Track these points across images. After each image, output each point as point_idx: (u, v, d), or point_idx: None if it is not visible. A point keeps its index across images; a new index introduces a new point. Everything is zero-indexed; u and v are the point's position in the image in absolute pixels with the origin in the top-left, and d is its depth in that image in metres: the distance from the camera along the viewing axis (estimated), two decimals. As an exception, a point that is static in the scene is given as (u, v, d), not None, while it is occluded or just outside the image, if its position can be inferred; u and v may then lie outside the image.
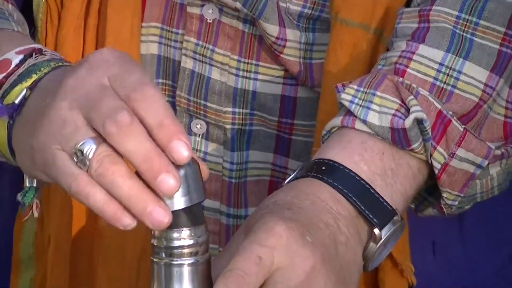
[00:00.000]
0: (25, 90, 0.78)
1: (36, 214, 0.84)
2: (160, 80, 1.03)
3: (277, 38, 0.97)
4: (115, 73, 0.68)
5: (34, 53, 0.82)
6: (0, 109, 0.79)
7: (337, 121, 0.85)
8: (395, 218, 0.82)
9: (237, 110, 1.01)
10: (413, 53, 0.87)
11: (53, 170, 0.70)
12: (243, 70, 1.01)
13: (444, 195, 0.88)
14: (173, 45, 1.03)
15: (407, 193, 0.85)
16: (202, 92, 1.01)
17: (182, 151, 0.64)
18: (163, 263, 0.73)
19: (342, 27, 0.95)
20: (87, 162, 0.66)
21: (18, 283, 1.08)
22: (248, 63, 1.01)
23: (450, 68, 0.86)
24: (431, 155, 0.84)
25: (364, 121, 0.83)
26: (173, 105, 1.01)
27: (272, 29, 0.96)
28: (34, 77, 0.79)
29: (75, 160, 0.67)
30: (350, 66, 0.95)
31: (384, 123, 0.83)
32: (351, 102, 0.84)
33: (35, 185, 0.82)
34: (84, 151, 0.67)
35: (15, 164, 0.82)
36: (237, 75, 1.00)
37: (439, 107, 0.84)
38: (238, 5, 0.95)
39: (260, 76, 1.01)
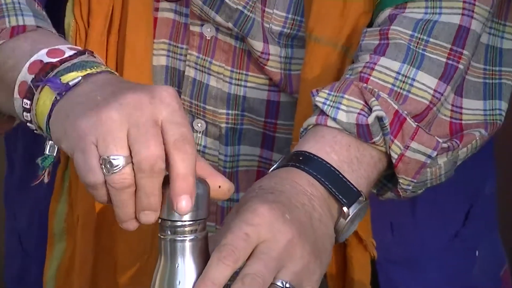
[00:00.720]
0: (80, 78, 0.86)
1: (46, 180, 0.94)
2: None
3: (262, 52, 1.13)
4: (169, 117, 0.79)
5: (87, 53, 0.91)
6: (57, 84, 0.87)
7: (312, 119, 1.00)
8: (360, 198, 0.97)
9: (230, 111, 1.17)
10: (375, 64, 1.02)
11: (79, 154, 0.80)
12: (235, 79, 1.17)
13: (400, 181, 1.02)
14: (179, 57, 1.19)
15: (370, 178, 1.00)
16: (201, 96, 1.18)
17: (181, 205, 0.79)
18: (169, 239, 0.85)
19: (315, 44, 1.09)
20: (109, 173, 0.78)
21: (53, 254, 1.23)
22: (239, 73, 1.16)
23: (406, 76, 1.02)
24: (389, 147, 0.99)
25: (335, 119, 0.98)
26: None
27: (257, 45, 1.13)
28: (88, 71, 0.87)
29: (101, 163, 0.78)
30: (322, 77, 1.09)
31: (350, 120, 0.97)
32: (324, 103, 0.99)
33: (54, 154, 0.91)
34: (113, 164, 0.78)
35: (45, 134, 0.90)
36: (230, 83, 1.17)
37: (396, 107, 0.99)
38: (230, 25, 1.12)
39: (249, 84, 1.17)
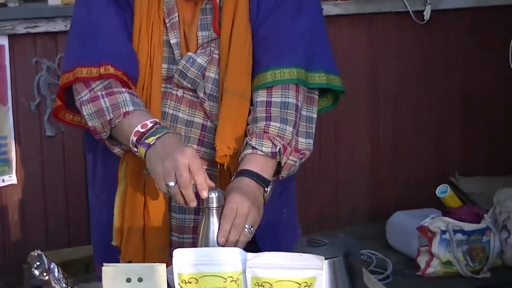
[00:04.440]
0: (155, 140, 1.85)
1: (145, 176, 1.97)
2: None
3: (202, 98, 2.01)
4: (191, 161, 1.79)
5: (156, 123, 1.88)
6: (145, 144, 1.85)
7: (249, 151, 1.92)
8: (270, 184, 1.91)
9: (186, 128, 2.03)
10: (269, 125, 1.95)
11: (158, 180, 1.83)
12: (189, 113, 2.03)
13: (282, 173, 1.95)
14: (167, 106, 2.04)
15: (272, 174, 1.93)
16: (175, 121, 2.03)
17: (203, 194, 1.79)
18: (205, 209, 1.80)
19: (229, 96, 1.99)
20: (168, 188, 1.80)
21: (117, 192, 2.04)
22: (190, 110, 2.03)
23: (283, 129, 1.96)
24: (282, 159, 1.92)
25: (261, 150, 1.91)
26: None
27: (201, 94, 2.01)
28: (158, 135, 1.86)
29: (165, 184, 1.80)
30: (236, 116, 2.00)
31: (268, 151, 1.91)
32: (254, 145, 1.91)
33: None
34: (169, 185, 1.79)
35: (144, 159, 1.87)
36: (187, 114, 2.03)
37: (283, 143, 1.93)
38: (190, 86, 1.99)
39: (196, 115, 2.03)
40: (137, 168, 2.00)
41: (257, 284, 1.51)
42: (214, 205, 1.81)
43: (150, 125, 1.87)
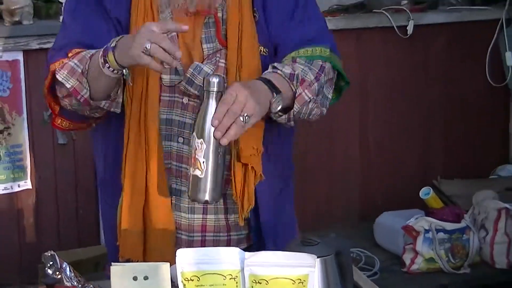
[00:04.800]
0: (115, 42, 1.86)
1: (129, 83, 1.93)
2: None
3: None
4: (154, 27, 1.78)
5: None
6: (109, 48, 1.84)
7: (269, 70, 1.94)
8: (279, 93, 1.88)
9: (188, 131, 2.01)
10: (295, 62, 1.98)
11: (137, 54, 1.78)
12: (190, 117, 1.99)
13: (294, 107, 1.93)
14: (174, 112, 2.02)
15: (285, 92, 1.91)
16: (180, 126, 2.03)
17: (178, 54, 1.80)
18: (205, 91, 1.81)
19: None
20: (148, 50, 1.75)
21: (121, 196, 2.02)
22: (193, 114, 1.96)
23: (305, 70, 1.97)
24: (296, 89, 1.93)
25: (281, 70, 1.93)
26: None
27: None
28: (116, 39, 1.86)
29: (143, 50, 1.76)
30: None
31: (288, 71, 1.93)
32: (276, 65, 1.95)
33: (127, 71, 1.87)
34: (147, 47, 1.75)
35: (116, 66, 1.84)
36: (190, 119, 1.99)
37: (304, 78, 1.95)
38: (196, 92, 1.96)
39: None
40: (137, 176, 2.00)
41: (254, 281, 1.51)
42: (215, 89, 1.79)
43: (108, 44, 1.86)
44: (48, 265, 1.78)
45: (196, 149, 1.80)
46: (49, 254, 1.79)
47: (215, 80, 1.79)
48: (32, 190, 3.53)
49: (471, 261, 3.46)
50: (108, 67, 1.85)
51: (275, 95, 1.86)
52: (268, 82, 1.87)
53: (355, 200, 4.14)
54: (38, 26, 3.51)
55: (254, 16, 2.01)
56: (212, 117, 1.77)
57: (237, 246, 1.97)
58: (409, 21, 4.07)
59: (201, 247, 2.00)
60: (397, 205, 3.87)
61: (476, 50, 4.29)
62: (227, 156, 1.91)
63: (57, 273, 1.78)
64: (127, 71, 1.87)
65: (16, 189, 3.49)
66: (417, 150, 4.27)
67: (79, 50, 1.96)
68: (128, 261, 1.98)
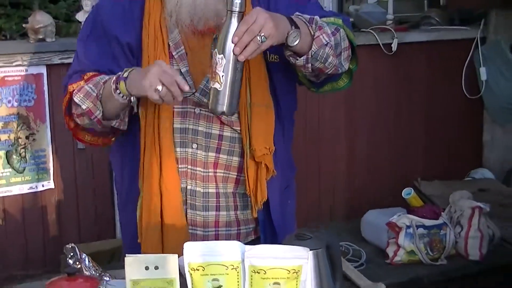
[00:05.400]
0: (127, 73, 1.89)
1: (135, 110, 1.99)
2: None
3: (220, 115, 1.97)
4: (165, 67, 1.82)
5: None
6: (121, 78, 1.88)
7: (291, 15, 1.88)
8: (297, 29, 1.83)
9: (205, 139, 2.04)
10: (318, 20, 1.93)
11: (147, 90, 1.82)
12: (206, 126, 2.02)
13: (313, 48, 1.88)
14: (187, 122, 2.03)
15: (304, 31, 1.86)
16: (196, 134, 2.04)
17: (186, 88, 1.83)
18: (227, 12, 1.78)
19: (257, 108, 2.01)
20: (159, 92, 1.79)
21: (138, 201, 2.06)
22: (208, 123, 2.02)
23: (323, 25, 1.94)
24: (315, 32, 1.89)
25: (301, 15, 1.90)
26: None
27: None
28: (129, 70, 1.89)
29: (154, 90, 1.80)
30: (266, 123, 2.03)
31: (307, 17, 1.90)
32: (297, 13, 1.93)
33: (134, 99, 1.92)
34: (158, 89, 1.79)
35: (126, 93, 1.89)
36: (207, 128, 2.02)
37: (321, 26, 1.91)
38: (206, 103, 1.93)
39: (214, 127, 2.03)
40: (153, 180, 2.01)
41: (253, 271, 1.52)
42: (237, 9, 1.77)
43: (120, 72, 1.91)
44: (69, 256, 1.79)
45: (217, 64, 1.78)
46: (70, 247, 1.79)
47: (237, 1, 1.76)
48: (54, 190, 3.53)
49: (448, 254, 3.46)
50: (119, 93, 1.89)
51: (293, 28, 1.82)
52: (288, 17, 1.85)
53: (343, 199, 4.15)
54: (60, 43, 3.51)
55: None
56: (233, 35, 1.75)
57: (246, 239, 2.04)
58: (393, 39, 4.08)
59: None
60: (381, 204, 3.86)
61: (454, 65, 4.30)
62: (239, 157, 2.01)
63: (77, 263, 1.78)
64: (134, 98, 1.91)
65: (40, 188, 3.50)
66: (399, 154, 4.27)
67: (92, 74, 2.01)
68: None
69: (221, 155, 2.03)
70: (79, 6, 3.71)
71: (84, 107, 1.97)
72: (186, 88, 1.80)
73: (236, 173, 2.06)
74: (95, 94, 1.96)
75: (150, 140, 2.00)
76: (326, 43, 1.89)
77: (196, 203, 2.04)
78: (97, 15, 2.08)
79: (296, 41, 1.82)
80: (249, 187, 2.02)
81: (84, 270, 1.78)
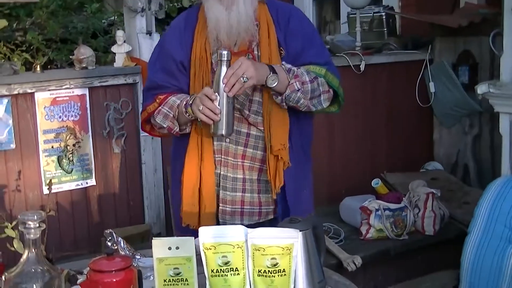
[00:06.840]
0: (191, 101, 1.97)
1: (200, 125, 2.02)
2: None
3: (248, 115, 2.02)
4: (201, 96, 1.90)
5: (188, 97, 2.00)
6: (188, 105, 1.97)
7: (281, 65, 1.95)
8: (276, 74, 1.89)
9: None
10: (298, 68, 1.97)
11: (197, 112, 1.90)
12: (239, 126, 2.03)
13: (286, 92, 1.93)
14: None
15: (283, 78, 1.92)
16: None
17: (216, 118, 1.89)
18: (219, 60, 1.85)
19: (276, 111, 2.02)
20: (200, 111, 1.89)
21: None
22: (240, 123, 2.03)
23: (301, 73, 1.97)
24: (290, 79, 1.92)
25: (284, 64, 1.93)
26: None
27: (247, 112, 2.01)
28: (192, 98, 1.98)
29: (198, 110, 1.89)
30: (282, 123, 2.04)
31: (288, 66, 1.94)
32: (282, 63, 1.96)
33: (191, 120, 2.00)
34: (200, 109, 1.89)
35: (192, 114, 1.96)
36: (237, 127, 2.02)
37: (298, 75, 1.94)
38: (238, 106, 2.01)
39: (242, 126, 2.03)
40: (193, 166, 2.04)
41: (255, 249, 1.49)
42: (225, 58, 1.86)
43: (187, 99, 1.98)
44: (108, 239, 1.76)
45: (214, 100, 1.89)
46: (109, 231, 1.77)
47: (224, 52, 1.86)
48: (96, 186, 3.50)
49: (408, 231, 3.44)
50: (188, 115, 1.97)
51: (271, 73, 1.89)
52: (269, 66, 1.92)
53: (324, 189, 4.12)
54: (99, 70, 3.50)
55: (281, 53, 2.02)
56: (223, 78, 1.85)
57: (266, 217, 2.09)
58: (361, 61, 4.05)
59: (240, 217, 2.07)
60: (355, 192, 3.84)
61: (409, 81, 4.28)
62: (262, 152, 2.04)
63: (114, 245, 1.76)
64: None
65: (85, 185, 3.47)
66: (369, 152, 4.25)
67: (163, 96, 2.05)
68: (188, 226, 2.07)
69: (247, 149, 2.03)
70: (113, 40, 3.70)
71: (165, 125, 2.05)
72: (217, 111, 1.88)
73: (260, 164, 2.05)
74: (171, 115, 2.02)
75: (195, 137, 2.05)
76: (298, 89, 1.94)
77: (227, 185, 2.05)
78: (163, 40, 2.11)
79: (274, 83, 1.90)
80: (270, 175, 2.01)
81: (120, 250, 1.75)
